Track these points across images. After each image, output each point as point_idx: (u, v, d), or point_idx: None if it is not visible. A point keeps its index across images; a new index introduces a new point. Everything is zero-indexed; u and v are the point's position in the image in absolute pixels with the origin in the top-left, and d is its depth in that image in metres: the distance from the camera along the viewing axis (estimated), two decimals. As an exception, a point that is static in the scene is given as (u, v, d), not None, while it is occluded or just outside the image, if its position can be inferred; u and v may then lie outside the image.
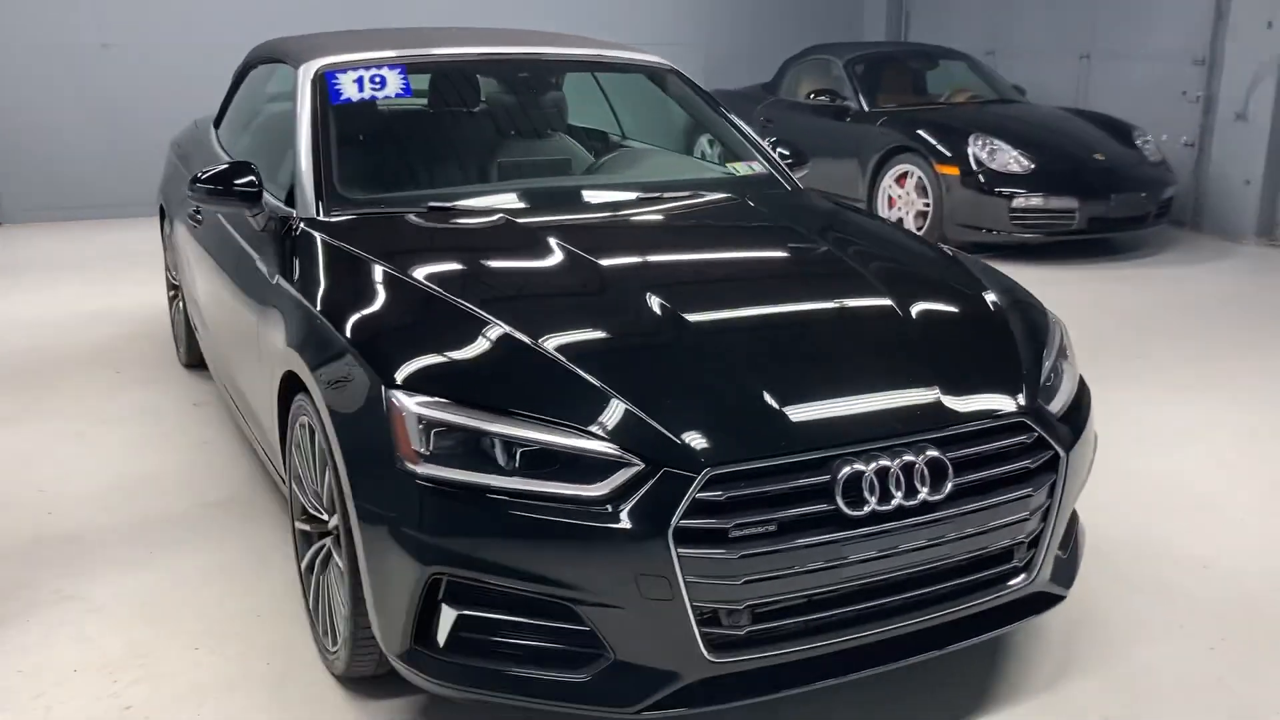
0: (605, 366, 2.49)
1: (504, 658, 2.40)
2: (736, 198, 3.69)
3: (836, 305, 2.93)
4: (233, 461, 4.26)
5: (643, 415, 2.37)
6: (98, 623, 3.14)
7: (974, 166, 7.71)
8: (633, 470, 2.29)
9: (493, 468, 2.34)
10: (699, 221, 3.57)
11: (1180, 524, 3.76)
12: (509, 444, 2.34)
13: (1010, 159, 7.72)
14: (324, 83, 3.68)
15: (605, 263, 3.02)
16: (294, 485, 3.03)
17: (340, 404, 2.56)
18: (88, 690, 2.83)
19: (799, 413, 2.43)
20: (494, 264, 3.11)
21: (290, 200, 3.43)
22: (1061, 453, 2.63)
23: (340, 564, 2.65)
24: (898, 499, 2.40)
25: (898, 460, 2.40)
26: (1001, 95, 9.20)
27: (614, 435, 2.33)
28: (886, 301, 2.86)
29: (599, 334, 2.66)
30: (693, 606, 2.29)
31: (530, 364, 2.51)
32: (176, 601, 3.25)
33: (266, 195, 3.45)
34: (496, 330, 2.60)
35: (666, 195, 3.65)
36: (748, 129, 4.16)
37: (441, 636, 2.41)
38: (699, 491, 2.27)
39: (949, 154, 7.83)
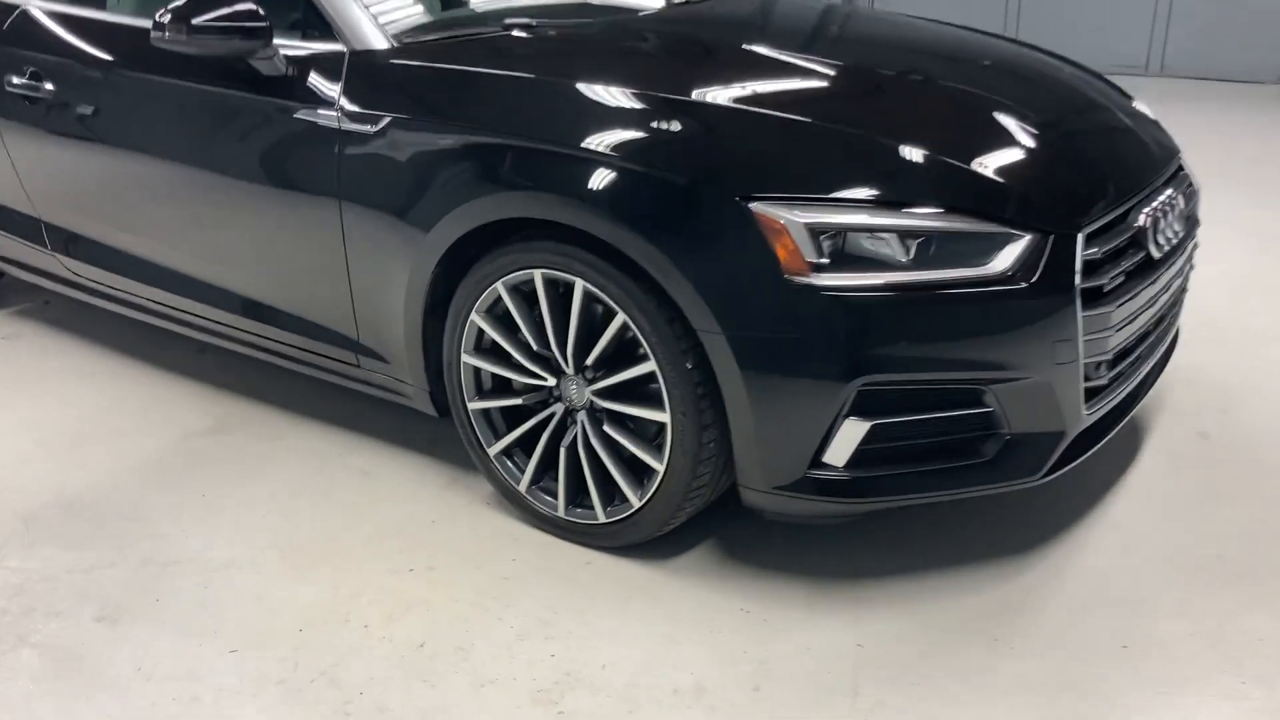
0: (935, 144, 2.40)
1: (906, 460, 2.33)
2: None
3: (1032, 84, 2.95)
4: (166, 382, 3.45)
5: (1009, 185, 2.36)
6: (292, 573, 2.52)
7: None
8: (1023, 241, 2.27)
9: (890, 265, 2.21)
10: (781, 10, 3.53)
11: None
12: (902, 236, 2.22)
13: None
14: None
15: (770, 52, 2.88)
16: (476, 361, 2.62)
17: (666, 233, 2.24)
18: (402, 629, 2.31)
19: (1101, 170, 2.55)
20: (671, 62, 2.85)
21: (308, 35, 2.80)
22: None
23: (662, 418, 2.36)
24: (1173, 239, 2.62)
25: (1163, 204, 2.61)
26: None
27: (990, 210, 2.29)
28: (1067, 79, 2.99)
29: (885, 113, 2.55)
30: (1084, 364, 2.37)
31: (868, 151, 2.37)
32: (347, 543, 2.67)
33: None
34: (791, 123, 2.42)
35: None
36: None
37: (843, 454, 2.28)
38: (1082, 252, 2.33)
39: None
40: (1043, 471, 2.39)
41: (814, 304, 2.17)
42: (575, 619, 2.37)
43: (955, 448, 2.36)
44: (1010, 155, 2.47)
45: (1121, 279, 2.44)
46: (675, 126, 2.41)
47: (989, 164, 2.39)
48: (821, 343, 2.20)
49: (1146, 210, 2.54)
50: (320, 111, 2.70)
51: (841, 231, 2.20)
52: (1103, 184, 2.50)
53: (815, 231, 2.18)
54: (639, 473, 2.50)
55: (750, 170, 2.27)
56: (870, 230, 2.21)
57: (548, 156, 2.38)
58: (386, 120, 2.61)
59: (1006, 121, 2.59)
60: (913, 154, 2.36)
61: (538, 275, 2.45)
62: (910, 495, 2.35)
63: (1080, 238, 2.32)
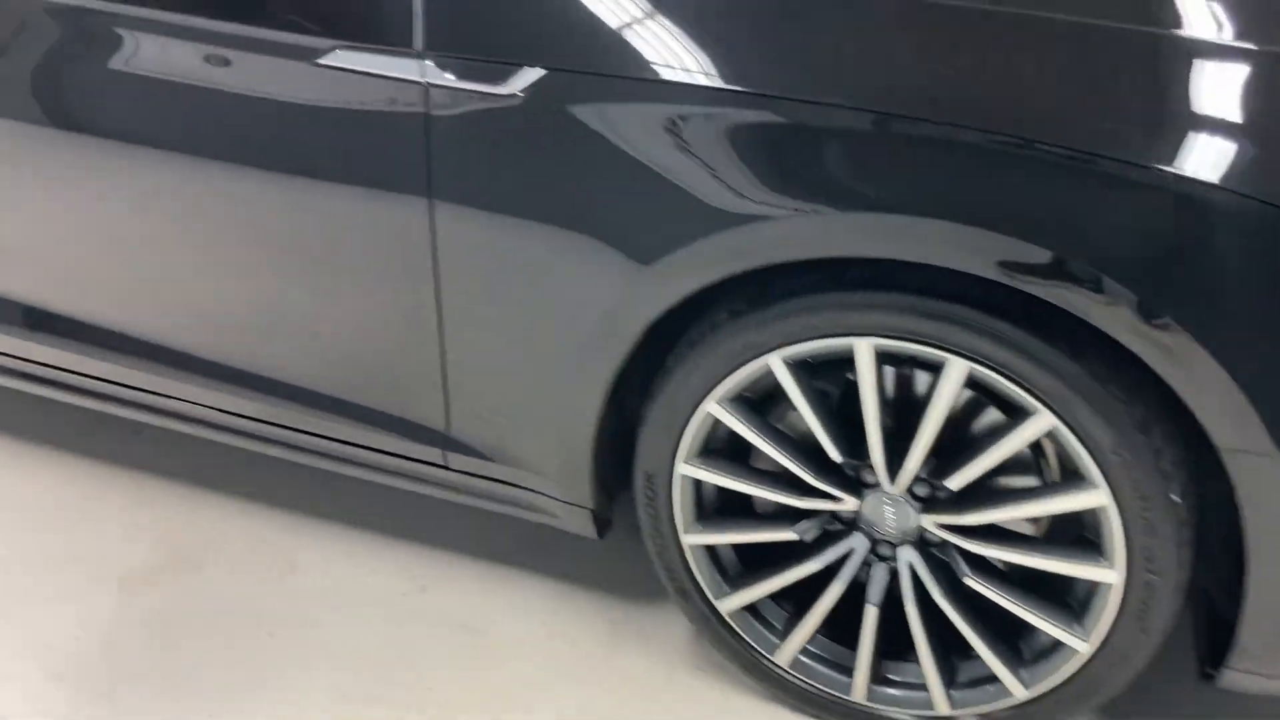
0: None
1: None
2: None
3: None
4: (62, 492, 2.16)
5: None
6: None
7: None
8: None
9: None
10: None
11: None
12: None
13: None
14: None
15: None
16: (700, 471, 1.58)
17: (1185, 291, 1.25)
18: None
19: None
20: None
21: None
22: None
23: (1106, 576, 1.42)
24: None
25: None
26: None
27: None
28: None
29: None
30: None
31: None
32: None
33: None
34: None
35: None
36: None
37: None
38: None
39: None
40: None
41: None
42: None
43: None
44: None
45: None
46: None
47: None
48: None
49: None
50: (373, 58, 1.50)
51: None
52: None
53: None
54: (1010, 641, 1.56)
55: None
56: None
57: (953, 151, 1.30)
58: (535, 76, 1.44)
59: None
60: None
61: (863, 346, 1.41)
62: None
63: None
